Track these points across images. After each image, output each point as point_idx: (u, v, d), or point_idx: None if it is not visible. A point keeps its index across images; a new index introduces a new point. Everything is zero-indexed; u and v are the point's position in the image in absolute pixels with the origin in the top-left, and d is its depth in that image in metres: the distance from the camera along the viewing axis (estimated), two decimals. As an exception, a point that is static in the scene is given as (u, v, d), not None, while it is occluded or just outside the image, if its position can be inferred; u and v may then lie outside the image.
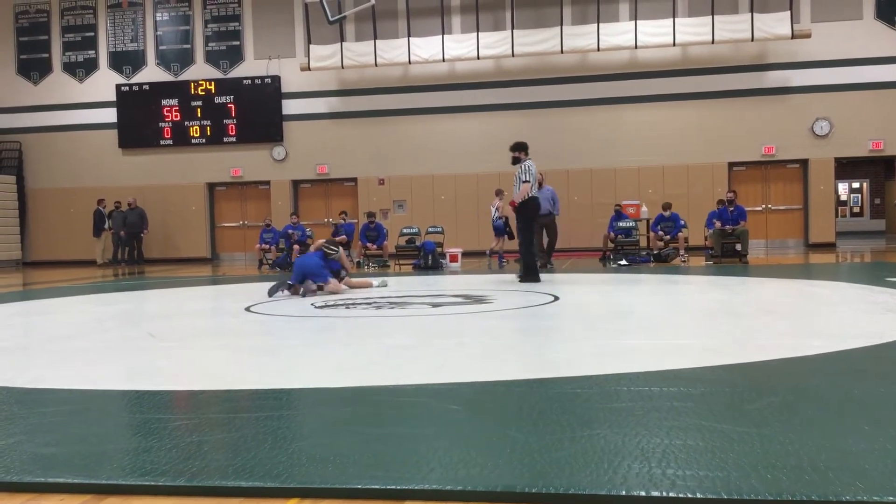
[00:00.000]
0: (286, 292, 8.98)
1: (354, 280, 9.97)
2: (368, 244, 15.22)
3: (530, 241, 10.20)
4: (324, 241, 9.97)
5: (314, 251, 9.61)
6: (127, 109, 19.78)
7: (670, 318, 6.16)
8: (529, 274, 9.98)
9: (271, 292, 8.83)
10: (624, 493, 2.17)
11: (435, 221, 17.10)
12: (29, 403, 3.59)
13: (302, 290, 8.86)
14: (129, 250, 18.93)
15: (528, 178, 9.98)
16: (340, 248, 9.78)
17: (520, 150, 10.20)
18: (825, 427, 2.79)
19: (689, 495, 2.13)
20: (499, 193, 15.21)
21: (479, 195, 17.93)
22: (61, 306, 8.48)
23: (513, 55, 17.75)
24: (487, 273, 12.58)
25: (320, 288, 9.09)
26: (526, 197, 9.94)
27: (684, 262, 13.76)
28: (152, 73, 19.91)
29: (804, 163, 17.79)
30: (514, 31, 17.72)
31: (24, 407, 3.52)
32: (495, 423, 2.98)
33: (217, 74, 19.58)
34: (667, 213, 14.58)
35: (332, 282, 9.15)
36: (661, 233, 14.39)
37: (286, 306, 7.77)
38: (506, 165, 17.63)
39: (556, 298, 7.75)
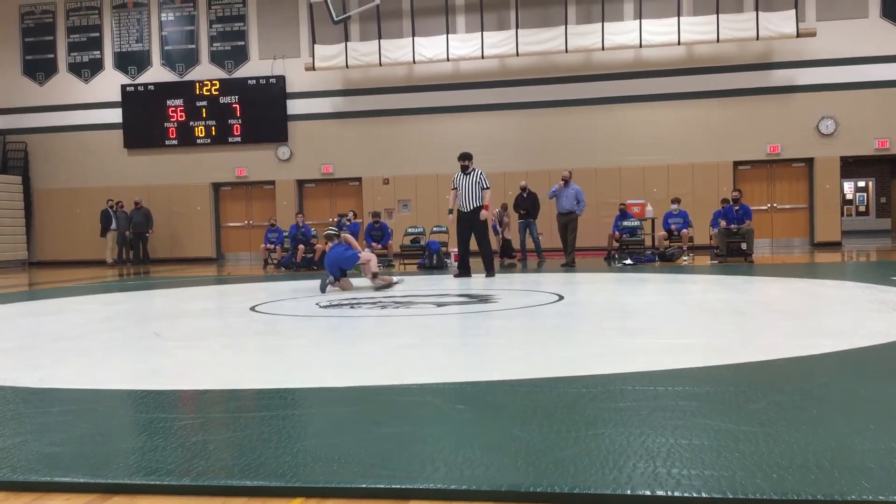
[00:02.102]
0: (336, 286, 9.35)
1: (384, 277, 10.12)
2: (373, 244, 15.22)
3: (467, 243, 11.15)
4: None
5: (339, 244, 9.68)
6: (132, 110, 19.83)
7: (675, 317, 6.15)
8: (463, 269, 11.14)
9: (323, 288, 9.13)
10: (629, 492, 2.17)
11: (440, 221, 17.09)
12: (35, 403, 3.61)
13: (338, 283, 9.24)
14: (134, 250, 18.98)
15: (488, 185, 11.08)
16: (353, 240, 9.89)
17: (469, 159, 11.16)
18: (831, 426, 2.78)
19: (695, 495, 2.13)
20: (505, 208, 15.29)
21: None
22: (67, 306, 8.51)
23: (517, 54, 17.74)
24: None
25: (338, 280, 9.34)
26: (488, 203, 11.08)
27: (686, 261, 13.73)
28: (157, 73, 19.95)
29: (810, 162, 17.74)
30: (519, 30, 17.71)
31: (31, 406, 3.54)
32: (500, 422, 2.98)
33: (222, 74, 19.61)
34: (675, 210, 14.57)
35: (342, 280, 9.34)
36: (672, 227, 14.40)
37: (291, 306, 7.79)
38: (511, 165, 17.79)
39: (561, 298, 7.75)
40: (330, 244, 9.83)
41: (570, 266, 12.91)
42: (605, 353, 4.54)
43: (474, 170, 11.03)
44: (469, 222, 10.98)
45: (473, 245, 11.09)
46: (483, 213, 10.90)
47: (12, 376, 4.21)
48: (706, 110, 17.71)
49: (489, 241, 11.33)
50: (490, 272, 10.98)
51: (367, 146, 18.97)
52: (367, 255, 9.53)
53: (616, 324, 5.83)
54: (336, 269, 9.41)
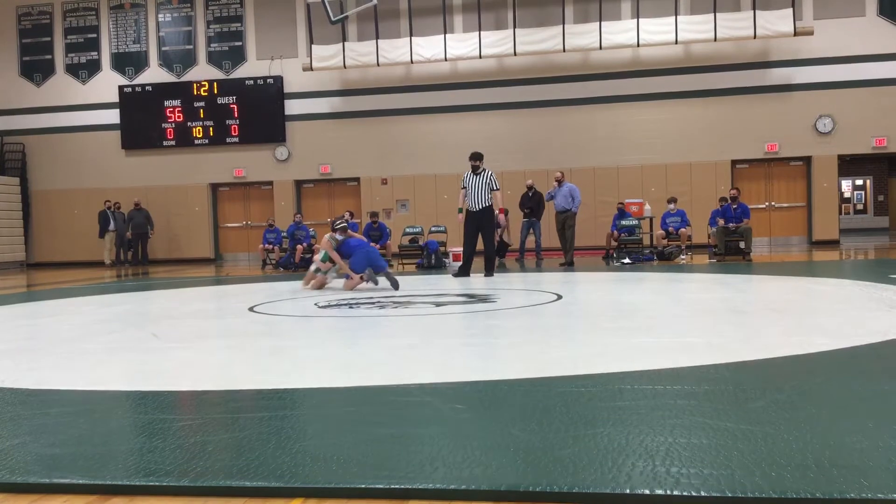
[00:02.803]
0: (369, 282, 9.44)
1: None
2: (371, 244, 15.20)
3: (474, 244, 11.14)
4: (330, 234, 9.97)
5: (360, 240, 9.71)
6: (130, 111, 19.81)
7: (674, 316, 6.15)
8: (464, 270, 11.11)
9: (375, 280, 9.40)
10: (628, 491, 2.17)
11: (438, 221, 17.11)
12: (33, 404, 3.60)
13: (368, 277, 9.30)
14: (134, 251, 18.97)
15: (498, 187, 11.11)
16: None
17: (480, 159, 11.17)
18: (829, 425, 2.78)
19: (693, 493, 2.13)
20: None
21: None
22: (65, 307, 8.50)
23: (515, 54, 17.74)
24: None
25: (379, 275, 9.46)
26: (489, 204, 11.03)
27: (684, 260, 13.75)
28: (155, 74, 19.94)
29: (807, 160, 17.76)
30: (516, 29, 17.71)
31: (29, 408, 3.53)
32: (499, 422, 2.98)
33: (219, 75, 19.60)
34: (672, 209, 14.60)
35: (351, 279, 9.46)
36: (671, 228, 14.42)
37: (290, 307, 7.78)
38: (509, 165, 17.80)
39: (560, 297, 7.75)
40: (335, 239, 9.78)
41: (569, 265, 12.94)
42: (603, 352, 4.54)
43: (484, 170, 11.03)
44: (478, 222, 11.01)
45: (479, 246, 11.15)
46: (501, 219, 11.20)
47: (11, 378, 4.20)
48: (704, 109, 17.72)
49: (494, 241, 11.41)
50: (489, 272, 10.99)
51: (365, 146, 18.96)
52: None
53: (615, 323, 5.83)
54: (365, 267, 9.34)
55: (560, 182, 13.65)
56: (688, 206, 16.04)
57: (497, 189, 11.02)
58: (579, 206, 13.74)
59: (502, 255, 14.85)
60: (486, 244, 11.13)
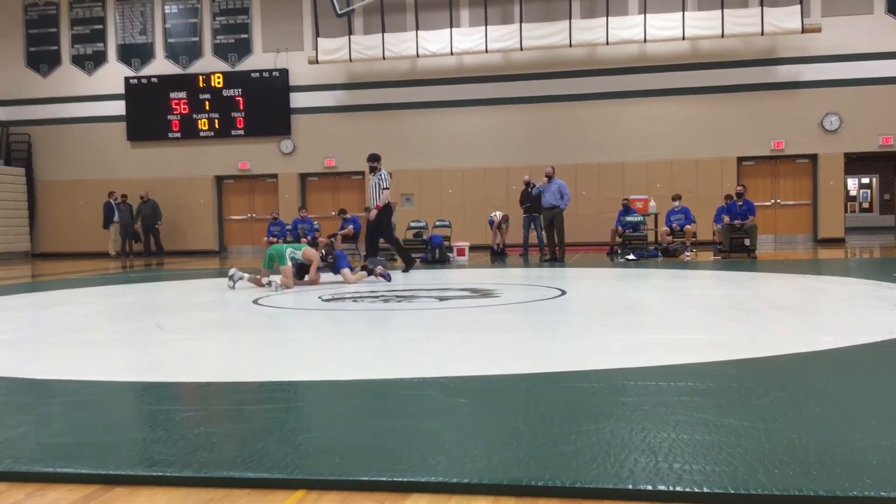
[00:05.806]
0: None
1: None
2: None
3: (377, 242, 11.28)
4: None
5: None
6: (135, 102, 19.81)
7: (678, 312, 6.15)
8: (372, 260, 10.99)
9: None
10: (630, 486, 2.17)
11: (442, 215, 17.10)
12: (38, 394, 3.62)
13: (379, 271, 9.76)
14: (146, 243, 19.02)
15: (388, 186, 11.10)
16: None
17: (377, 160, 11.24)
18: (832, 422, 2.78)
19: (696, 489, 2.13)
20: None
21: (487, 189, 17.93)
22: (70, 298, 8.52)
23: (521, 49, 17.70)
24: (494, 267, 12.57)
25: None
26: (386, 202, 11.06)
27: (689, 256, 13.71)
28: (161, 65, 19.93)
29: (813, 158, 17.70)
30: (523, 24, 17.67)
31: (33, 397, 3.55)
32: (502, 416, 2.98)
33: (225, 67, 19.58)
34: (677, 206, 14.56)
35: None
36: (675, 225, 14.37)
37: (294, 299, 7.79)
38: (514, 160, 17.79)
39: (564, 293, 7.74)
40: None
41: (554, 260, 12.92)
42: (607, 348, 4.54)
43: (378, 170, 11.16)
44: (373, 221, 11.13)
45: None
46: (372, 213, 10.96)
47: (16, 367, 4.22)
48: (710, 106, 17.66)
49: (376, 240, 11.22)
50: (368, 269, 10.29)
51: (370, 140, 18.91)
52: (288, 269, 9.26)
53: (618, 319, 5.83)
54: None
55: (550, 178, 13.55)
56: (693, 203, 15.98)
57: (386, 188, 11.02)
58: (568, 202, 13.70)
59: (502, 254, 14.87)
60: (368, 241, 11.26)
